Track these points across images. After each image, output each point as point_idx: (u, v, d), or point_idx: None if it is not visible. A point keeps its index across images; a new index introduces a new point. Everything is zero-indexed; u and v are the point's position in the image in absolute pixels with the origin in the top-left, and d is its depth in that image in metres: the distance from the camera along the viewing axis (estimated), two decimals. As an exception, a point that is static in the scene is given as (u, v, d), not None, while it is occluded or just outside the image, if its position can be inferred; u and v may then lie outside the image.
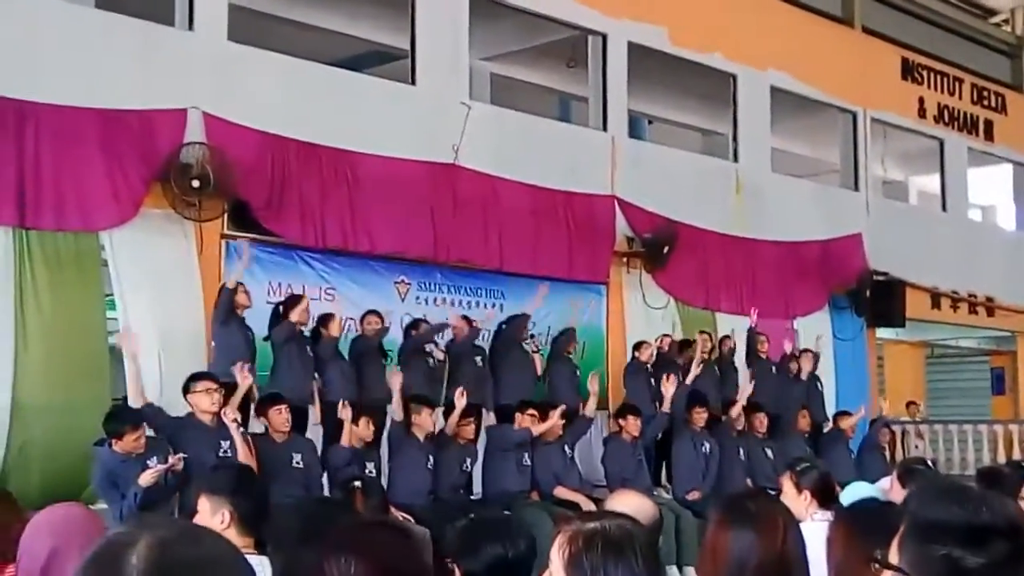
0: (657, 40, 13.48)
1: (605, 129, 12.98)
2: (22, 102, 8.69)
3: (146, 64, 9.45)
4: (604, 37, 13.05)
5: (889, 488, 5.44)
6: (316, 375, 9.19)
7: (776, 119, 14.83)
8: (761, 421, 11.31)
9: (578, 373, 11.12)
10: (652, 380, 11.04)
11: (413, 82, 11.39)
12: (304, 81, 10.52)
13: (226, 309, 8.84)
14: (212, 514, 3.78)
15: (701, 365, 11.10)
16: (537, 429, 9.13)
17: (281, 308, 9.19)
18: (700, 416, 10.56)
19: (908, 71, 17.12)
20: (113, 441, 6.89)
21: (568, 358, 11.21)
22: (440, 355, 9.94)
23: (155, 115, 9.40)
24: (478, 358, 10.42)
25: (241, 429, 7.45)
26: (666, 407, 10.26)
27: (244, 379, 7.99)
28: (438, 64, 11.49)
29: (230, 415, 7.40)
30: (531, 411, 9.32)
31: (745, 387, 10.55)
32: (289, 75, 10.43)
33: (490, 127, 11.69)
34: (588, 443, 10.61)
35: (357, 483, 4.23)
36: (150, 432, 7.37)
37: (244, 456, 7.29)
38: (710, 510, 3.20)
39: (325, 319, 9.34)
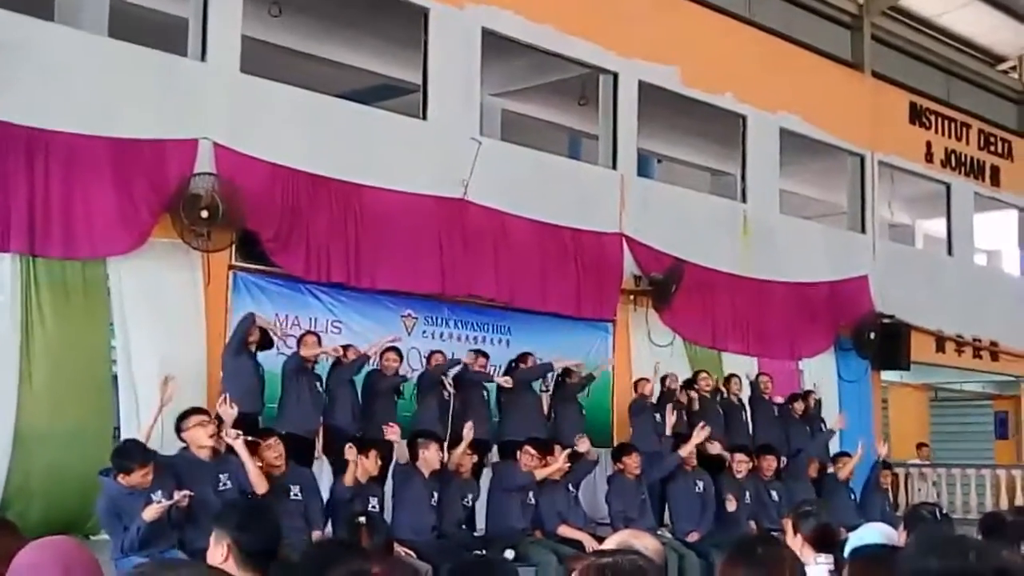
0: (668, 79, 13.53)
1: (615, 167, 13.00)
2: (33, 129, 8.72)
3: (159, 94, 9.49)
4: (615, 76, 13.10)
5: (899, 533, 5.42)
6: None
7: (785, 161, 14.87)
8: (770, 464, 11.27)
9: (584, 412, 11.07)
10: (657, 416, 11.00)
11: (424, 117, 11.42)
12: (315, 114, 10.55)
13: (240, 341, 8.83)
14: (215, 546, 3.78)
15: (676, 411, 11.01)
16: (540, 473, 9.09)
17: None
18: (693, 457, 10.54)
19: (916, 116, 17.17)
20: (120, 476, 6.85)
21: (574, 397, 11.16)
22: (452, 388, 9.93)
23: (166, 145, 9.42)
24: (483, 392, 10.42)
25: (239, 439, 7.37)
26: (686, 450, 10.20)
27: (227, 413, 7.92)
28: (450, 99, 11.53)
29: (232, 435, 7.35)
30: (531, 450, 9.25)
31: (699, 432, 10.47)
32: (300, 107, 10.46)
33: (500, 163, 11.72)
34: (592, 481, 10.55)
35: (361, 519, 4.20)
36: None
37: (255, 476, 7.21)
38: (718, 553, 3.24)
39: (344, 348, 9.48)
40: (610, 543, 3.36)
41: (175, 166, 9.39)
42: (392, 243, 10.62)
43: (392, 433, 8.42)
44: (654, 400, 11.43)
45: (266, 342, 9.25)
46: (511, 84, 13.69)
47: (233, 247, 9.71)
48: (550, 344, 11.55)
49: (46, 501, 8.52)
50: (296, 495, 7.67)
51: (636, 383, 11.68)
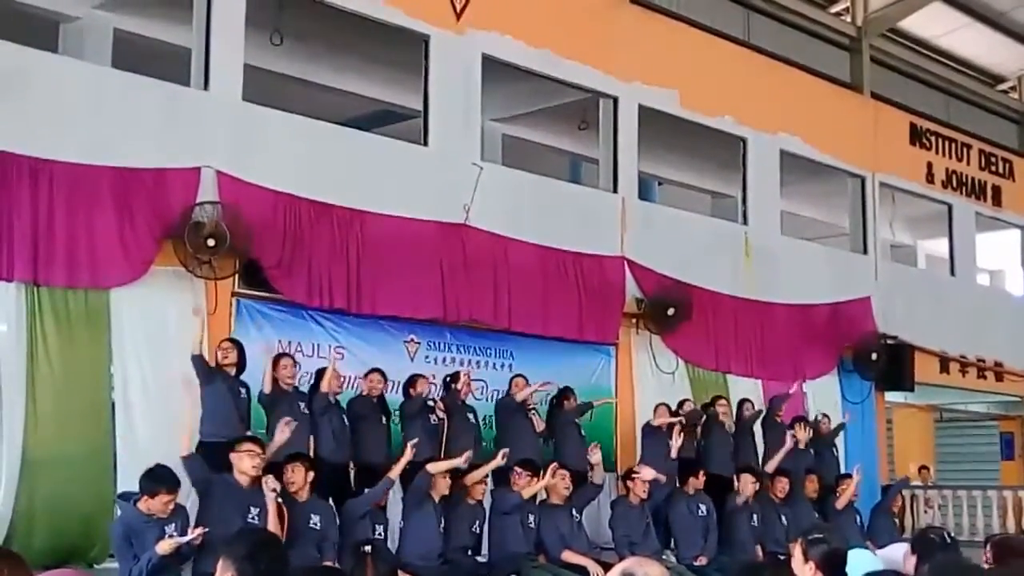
0: (668, 103, 13.59)
1: (615, 190, 13.04)
2: (37, 159, 8.77)
3: (161, 123, 9.53)
4: (615, 100, 13.15)
5: (904, 558, 5.40)
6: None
7: (786, 182, 14.91)
8: (783, 487, 11.25)
9: (583, 435, 11.06)
10: (669, 441, 11.00)
11: (425, 143, 11.47)
12: (317, 140, 10.60)
13: (205, 372, 8.83)
14: (220, 573, 3.78)
15: (682, 435, 11.03)
16: (528, 491, 9.02)
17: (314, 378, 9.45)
18: (696, 482, 10.51)
19: (917, 136, 17.21)
20: (143, 498, 6.84)
21: (572, 421, 11.15)
22: (441, 413, 9.91)
23: (169, 173, 9.46)
24: (470, 415, 10.37)
25: (278, 500, 7.40)
26: (673, 453, 10.20)
27: (280, 436, 7.98)
28: (450, 125, 11.58)
29: (271, 484, 7.36)
30: (521, 470, 9.19)
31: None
32: (302, 134, 10.51)
33: (501, 187, 11.76)
34: (595, 505, 10.52)
35: (367, 548, 4.19)
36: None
37: (273, 525, 7.22)
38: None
39: (320, 373, 9.46)
40: (615, 572, 3.35)
41: (178, 194, 9.43)
42: (393, 268, 10.65)
43: (410, 454, 8.37)
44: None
45: (242, 364, 9.17)
46: (512, 109, 13.76)
47: (236, 275, 9.74)
48: (552, 368, 11.55)
49: (51, 527, 8.52)
50: (315, 524, 7.66)
51: (656, 408, 11.68)
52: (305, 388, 9.55)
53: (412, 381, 10.11)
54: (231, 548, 3.90)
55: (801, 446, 12.15)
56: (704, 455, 11.69)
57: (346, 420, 9.43)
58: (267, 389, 9.03)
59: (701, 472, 10.64)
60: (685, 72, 13.78)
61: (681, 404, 11.97)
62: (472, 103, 11.79)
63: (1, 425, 8.67)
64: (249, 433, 8.35)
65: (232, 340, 9.18)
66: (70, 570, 3.15)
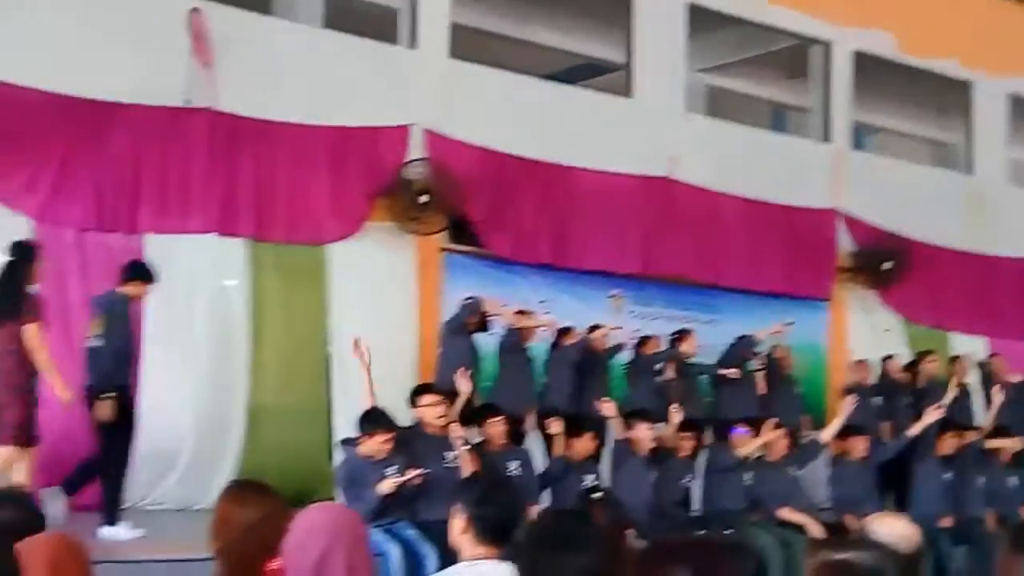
0: (884, 47, 12.97)
1: (827, 140, 12.59)
2: (258, 120, 9.07)
3: (372, 82, 9.72)
4: (828, 45, 12.67)
5: None
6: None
7: (1016, 128, 14.04)
8: (1013, 445, 10.63)
9: (801, 392, 10.77)
10: (873, 400, 10.59)
11: (630, 95, 11.33)
12: (522, 96, 10.61)
13: (461, 322, 8.98)
14: (456, 519, 3.85)
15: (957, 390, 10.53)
16: (748, 448, 8.83)
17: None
18: (950, 443, 9.90)
19: None
20: (362, 440, 7.04)
21: (790, 377, 10.88)
22: (670, 372, 9.82)
23: (380, 132, 9.67)
24: (700, 375, 10.32)
25: (466, 446, 7.50)
26: (915, 430, 9.67)
27: (465, 386, 8.09)
28: (655, 76, 11.39)
29: (456, 432, 7.48)
30: (743, 429, 9.02)
31: (931, 412, 9.86)
32: (507, 90, 10.54)
33: (707, 140, 11.52)
34: (812, 464, 10.22)
35: (597, 494, 4.16)
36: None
37: (466, 468, 7.32)
38: (998, 539, 3.01)
39: (565, 331, 9.52)
40: (854, 528, 3.20)
41: (389, 152, 9.63)
42: (598, 223, 10.62)
43: (608, 409, 8.37)
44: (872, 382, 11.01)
45: (483, 325, 9.32)
46: (717, 59, 13.43)
47: (445, 230, 9.88)
48: (761, 323, 11.25)
49: (276, 472, 8.74)
50: (515, 471, 7.73)
51: (854, 365, 11.27)
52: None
53: (642, 341, 10.14)
54: (464, 494, 3.95)
55: None
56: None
57: (571, 373, 9.46)
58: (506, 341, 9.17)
59: (957, 433, 10.03)
60: (903, 13, 13.07)
61: (885, 361, 11.46)
62: (677, 53, 11.57)
63: (231, 375, 9.12)
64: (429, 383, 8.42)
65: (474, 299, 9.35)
66: (334, 504, 3.26)
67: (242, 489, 4.01)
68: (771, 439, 8.84)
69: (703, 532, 7.48)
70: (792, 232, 11.85)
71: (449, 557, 6.01)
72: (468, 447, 7.51)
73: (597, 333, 9.68)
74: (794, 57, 13.29)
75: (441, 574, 3.89)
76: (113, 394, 7.10)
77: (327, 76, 9.51)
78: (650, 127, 11.14)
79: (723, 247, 11.34)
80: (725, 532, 8.17)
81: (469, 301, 9.18)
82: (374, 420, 7.09)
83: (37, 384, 6.94)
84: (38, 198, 8.30)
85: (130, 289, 7.43)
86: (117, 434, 7.18)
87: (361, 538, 2.87)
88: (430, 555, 6.80)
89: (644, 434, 8.32)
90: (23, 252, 7.07)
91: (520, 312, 9.53)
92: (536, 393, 9.43)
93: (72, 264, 8.64)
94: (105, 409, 7.06)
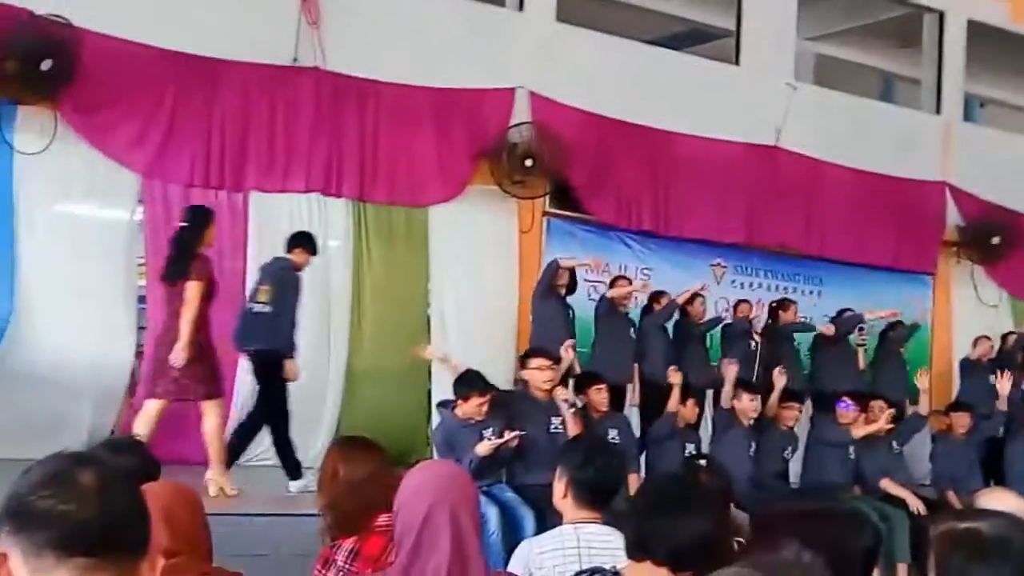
0: (997, 17, 12.58)
1: (938, 112, 12.27)
2: (364, 80, 9.09)
3: (477, 44, 9.68)
4: (941, 15, 12.31)
5: None
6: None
7: None
8: None
9: (907, 367, 10.57)
10: (992, 377, 10.33)
11: (737, 62, 11.15)
12: (626, 60, 10.49)
13: (547, 285, 8.96)
14: (557, 482, 3.84)
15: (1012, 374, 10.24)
16: (860, 431, 8.71)
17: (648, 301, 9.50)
18: None
19: None
20: (458, 403, 7.09)
21: (898, 352, 10.70)
22: (758, 338, 9.71)
23: (484, 94, 9.63)
24: (793, 343, 10.16)
25: (572, 409, 7.50)
26: (1002, 406, 9.52)
27: (568, 356, 8.08)
28: (763, 44, 11.18)
29: (562, 395, 7.47)
30: (849, 402, 8.87)
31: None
32: (612, 54, 10.43)
33: (814, 108, 11.28)
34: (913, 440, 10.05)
35: (702, 461, 4.14)
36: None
37: (572, 432, 7.32)
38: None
39: (657, 296, 9.42)
40: (976, 502, 3.14)
41: (493, 115, 9.59)
42: (701, 191, 10.50)
43: (675, 377, 8.25)
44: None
45: (572, 287, 9.25)
46: (826, 27, 13.14)
47: (547, 194, 9.84)
48: (864, 296, 11.08)
49: (374, 434, 8.91)
50: (614, 438, 7.71)
51: (976, 340, 11.03)
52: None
53: (737, 305, 10.11)
54: (565, 457, 3.94)
55: None
56: None
57: (664, 339, 9.38)
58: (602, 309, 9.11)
59: None
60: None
61: (1005, 337, 11.23)
62: (787, 21, 11.34)
63: (330, 336, 9.22)
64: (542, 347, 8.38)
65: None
66: (444, 462, 3.28)
67: (350, 446, 4.06)
68: (881, 426, 8.69)
69: (818, 503, 7.37)
70: (899, 204, 11.58)
71: (547, 520, 6.06)
72: (574, 409, 7.49)
73: (696, 302, 9.58)
74: (905, 26, 12.94)
75: (546, 535, 3.90)
76: (291, 356, 7.42)
77: (432, 37, 9.50)
78: (756, 95, 10.96)
79: (828, 218, 11.15)
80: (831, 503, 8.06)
81: (549, 264, 9.14)
82: (469, 383, 7.12)
83: (210, 337, 7.19)
84: (146, 153, 8.40)
85: (295, 256, 7.73)
86: (284, 394, 7.47)
87: (468, 497, 2.84)
88: (528, 518, 6.83)
89: (748, 404, 8.26)
90: (197, 216, 7.38)
91: (620, 278, 9.47)
92: (633, 360, 9.36)
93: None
94: (294, 369, 7.42)
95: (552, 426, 7.37)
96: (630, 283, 9.33)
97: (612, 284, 9.28)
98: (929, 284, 12.03)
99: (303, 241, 7.79)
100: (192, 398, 7.14)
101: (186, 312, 6.97)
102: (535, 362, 7.61)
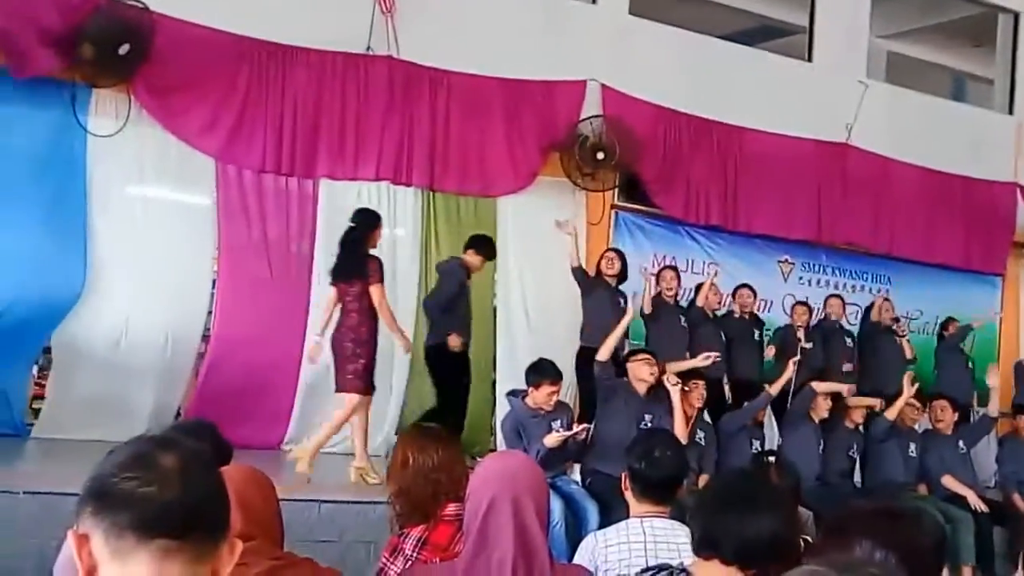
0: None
1: (1011, 112, 12.10)
2: (435, 70, 9.15)
3: (550, 36, 9.70)
4: (1016, 15, 12.14)
5: None
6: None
7: None
8: None
9: (971, 366, 10.46)
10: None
11: (809, 59, 11.08)
12: (699, 55, 10.45)
13: (585, 282, 8.88)
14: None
15: None
16: (888, 414, 8.56)
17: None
18: None
19: None
20: (529, 391, 7.11)
21: (958, 348, 10.59)
22: (804, 340, 9.62)
23: (555, 86, 9.63)
24: (845, 340, 10.03)
25: (677, 385, 7.43)
26: None
27: (705, 363, 7.99)
28: (836, 41, 11.11)
29: (673, 381, 7.39)
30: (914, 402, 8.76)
31: None
32: (684, 49, 10.40)
33: (886, 107, 11.18)
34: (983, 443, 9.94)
35: (770, 458, 4.15)
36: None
37: (680, 426, 7.23)
38: None
39: (698, 288, 9.40)
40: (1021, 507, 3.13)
41: (563, 107, 9.60)
42: (770, 187, 10.44)
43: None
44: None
45: (623, 275, 9.13)
46: (899, 25, 13.00)
47: (616, 188, 9.85)
48: (932, 296, 11.02)
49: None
50: (699, 440, 7.68)
51: None
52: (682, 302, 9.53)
53: (793, 308, 9.96)
54: (628, 449, 3.98)
55: None
56: None
57: (723, 335, 9.32)
58: (647, 308, 8.93)
59: None
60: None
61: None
62: (860, 18, 11.26)
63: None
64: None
65: (615, 250, 9.19)
66: (513, 452, 3.31)
67: (423, 434, 4.10)
68: (899, 406, 8.55)
69: (884, 503, 7.32)
70: (969, 204, 11.46)
71: (611, 513, 6.07)
72: (680, 388, 7.41)
73: (746, 296, 9.56)
74: (978, 25, 12.76)
75: (612, 528, 3.92)
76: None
77: (505, 28, 9.53)
78: (828, 92, 10.88)
79: (897, 216, 11.05)
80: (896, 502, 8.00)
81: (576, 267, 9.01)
82: (542, 371, 7.07)
83: (376, 337, 7.52)
84: (218, 137, 8.49)
85: (467, 257, 8.23)
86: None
87: (533, 489, 2.81)
88: (592, 510, 6.82)
89: (821, 402, 8.23)
90: (366, 218, 7.68)
91: (667, 268, 9.39)
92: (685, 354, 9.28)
93: (252, 205, 8.95)
94: (455, 342, 8.09)
95: (644, 422, 7.29)
96: (677, 275, 9.24)
97: (659, 276, 9.19)
98: (998, 285, 11.89)
99: (479, 244, 8.38)
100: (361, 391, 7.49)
101: (382, 315, 7.44)
102: (641, 356, 7.59)
